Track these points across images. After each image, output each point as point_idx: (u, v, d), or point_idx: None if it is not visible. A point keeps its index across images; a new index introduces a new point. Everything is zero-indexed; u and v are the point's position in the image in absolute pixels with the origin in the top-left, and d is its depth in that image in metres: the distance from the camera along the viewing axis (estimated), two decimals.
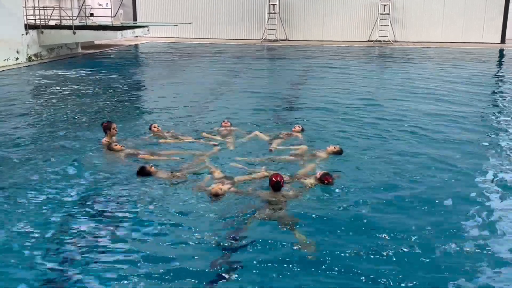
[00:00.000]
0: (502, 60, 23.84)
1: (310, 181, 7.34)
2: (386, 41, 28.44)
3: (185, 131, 10.29)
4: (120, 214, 6.43)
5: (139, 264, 5.24)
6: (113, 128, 9.07)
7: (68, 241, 5.73)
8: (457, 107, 12.77)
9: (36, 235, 5.83)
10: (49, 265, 5.19)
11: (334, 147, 8.76)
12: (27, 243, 5.63)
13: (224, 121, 10.53)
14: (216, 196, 6.81)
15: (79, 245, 5.65)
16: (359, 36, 29.59)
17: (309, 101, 13.73)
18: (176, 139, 9.70)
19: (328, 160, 8.51)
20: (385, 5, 28.33)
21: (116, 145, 8.77)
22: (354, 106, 12.89)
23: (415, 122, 11.18)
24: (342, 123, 11.21)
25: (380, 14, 28.55)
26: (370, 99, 13.71)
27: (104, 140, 9.00)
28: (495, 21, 28.41)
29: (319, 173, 7.40)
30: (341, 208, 6.59)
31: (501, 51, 25.96)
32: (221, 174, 7.56)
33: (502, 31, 28.40)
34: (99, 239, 5.77)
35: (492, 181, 7.70)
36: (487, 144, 9.65)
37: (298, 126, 10.26)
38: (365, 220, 6.25)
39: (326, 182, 7.23)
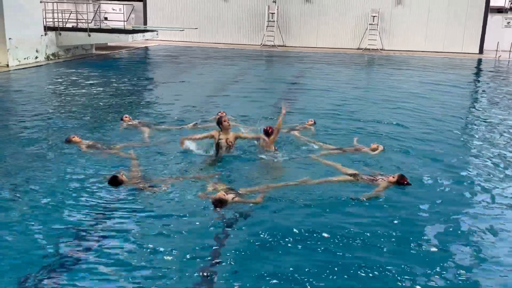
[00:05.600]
0: (481, 68, 25.50)
1: (384, 184, 7.38)
2: (375, 49, 30.44)
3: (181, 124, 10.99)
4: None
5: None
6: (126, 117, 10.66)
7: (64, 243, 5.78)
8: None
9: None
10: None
11: (378, 146, 8.95)
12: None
13: (220, 112, 10.45)
14: (220, 203, 6.49)
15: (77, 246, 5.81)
16: (350, 44, 31.59)
17: (308, 100, 14.71)
18: (147, 127, 10.20)
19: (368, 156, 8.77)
20: (374, 16, 30.33)
21: (73, 137, 8.92)
22: (348, 103, 14.05)
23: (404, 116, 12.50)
24: (339, 118, 12.18)
25: (370, 24, 30.54)
26: (363, 98, 14.91)
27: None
28: (474, 32, 30.23)
29: (393, 175, 7.48)
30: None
31: (479, 60, 27.68)
32: (223, 186, 7.18)
33: (481, 42, 30.23)
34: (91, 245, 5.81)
35: None
36: None
37: (311, 120, 10.65)
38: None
39: (405, 183, 7.35)
